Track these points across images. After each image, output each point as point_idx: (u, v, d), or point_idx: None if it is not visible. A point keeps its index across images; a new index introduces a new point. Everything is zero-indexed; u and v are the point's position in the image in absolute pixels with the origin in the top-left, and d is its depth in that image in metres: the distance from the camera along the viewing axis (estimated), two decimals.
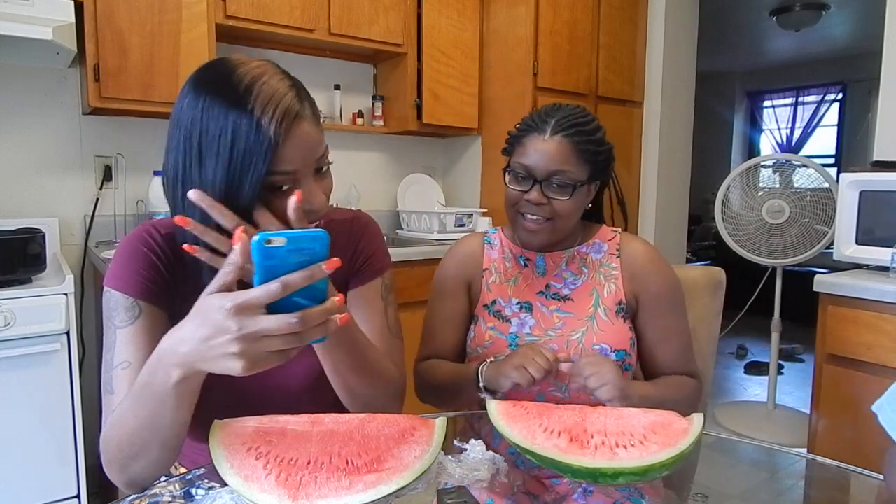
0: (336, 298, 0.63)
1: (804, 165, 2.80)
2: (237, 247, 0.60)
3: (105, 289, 0.83)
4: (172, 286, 0.84)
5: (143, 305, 0.81)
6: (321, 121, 0.84)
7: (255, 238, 0.58)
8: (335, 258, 0.62)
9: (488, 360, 1.05)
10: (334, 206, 2.24)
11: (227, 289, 0.61)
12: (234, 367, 0.59)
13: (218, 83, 0.74)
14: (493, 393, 1.02)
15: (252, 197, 0.72)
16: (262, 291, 0.58)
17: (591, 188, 1.12)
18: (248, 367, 0.59)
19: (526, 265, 1.17)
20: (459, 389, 1.09)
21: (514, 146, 1.10)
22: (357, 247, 0.96)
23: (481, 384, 1.03)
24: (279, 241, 0.58)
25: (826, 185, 2.73)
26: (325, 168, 0.81)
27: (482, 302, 1.18)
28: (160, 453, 0.71)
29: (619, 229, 1.19)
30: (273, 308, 0.59)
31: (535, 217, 1.07)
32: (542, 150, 1.05)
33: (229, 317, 0.58)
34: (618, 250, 1.15)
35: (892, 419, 0.88)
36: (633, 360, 1.13)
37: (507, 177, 1.10)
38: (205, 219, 0.72)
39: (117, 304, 0.81)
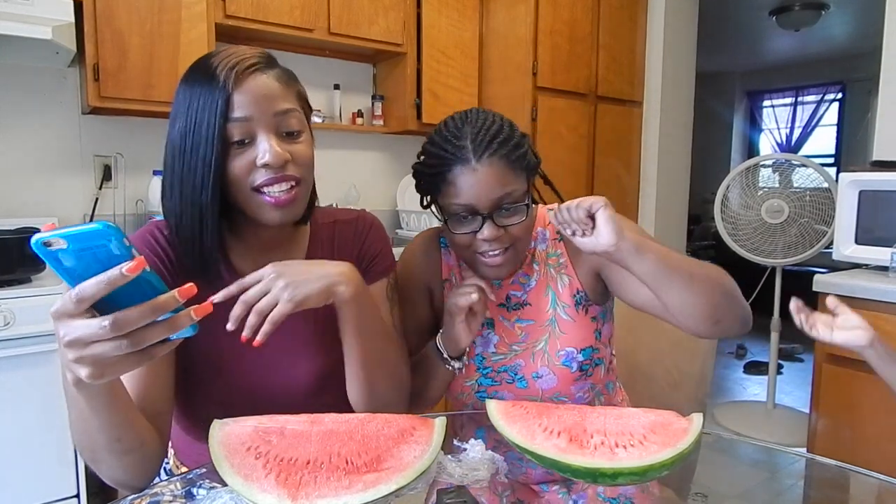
0: (172, 293, 0.55)
1: (803, 165, 2.80)
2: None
3: None
4: (177, 286, 0.82)
5: None
6: (305, 101, 0.85)
7: (33, 240, 0.50)
8: (188, 285, 0.56)
9: (439, 334, 1.00)
10: (334, 205, 2.25)
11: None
12: (82, 374, 0.55)
13: (194, 64, 0.80)
14: (458, 359, 1.00)
15: (210, 148, 0.75)
16: (65, 298, 0.53)
17: (533, 191, 1.03)
18: (94, 373, 0.54)
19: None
20: (429, 374, 1.03)
21: (438, 185, 0.94)
22: (362, 247, 0.96)
23: (444, 355, 0.99)
24: (59, 242, 0.50)
25: (825, 184, 2.73)
26: (295, 133, 0.80)
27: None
28: (112, 459, 0.69)
29: (555, 206, 1.05)
30: (110, 310, 0.53)
31: (495, 252, 0.95)
32: (477, 182, 0.91)
33: (55, 323, 0.54)
34: (558, 233, 1.05)
35: None
36: (604, 353, 1.06)
37: (450, 223, 0.95)
38: None
39: None
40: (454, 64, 2.78)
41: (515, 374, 1.03)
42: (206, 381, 0.86)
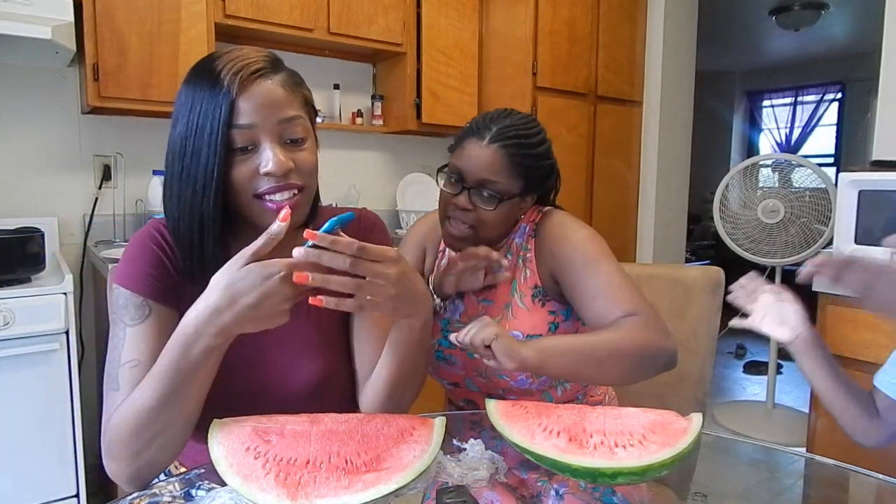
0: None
1: (800, 165, 2.80)
2: (283, 224, 0.69)
3: (114, 286, 0.82)
4: (181, 285, 0.83)
5: (153, 305, 0.80)
6: (310, 106, 0.84)
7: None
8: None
9: (431, 275, 1.13)
10: (333, 205, 2.25)
11: (261, 258, 0.68)
12: (280, 321, 0.68)
13: (198, 63, 0.79)
14: (444, 299, 1.10)
15: (212, 154, 0.74)
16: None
17: (527, 200, 1.09)
18: (286, 319, 0.69)
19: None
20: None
21: (457, 146, 1.07)
22: None
23: (432, 292, 1.08)
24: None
25: (823, 184, 2.73)
26: (299, 140, 0.80)
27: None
28: (182, 429, 0.73)
29: (548, 207, 1.15)
30: None
31: (458, 222, 1.05)
32: (476, 157, 1.02)
33: (283, 282, 0.66)
34: (535, 230, 1.11)
35: (891, 383, 0.92)
36: None
37: (441, 176, 1.08)
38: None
39: (127, 302, 0.80)
40: (454, 64, 2.78)
41: None
42: (230, 364, 0.86)
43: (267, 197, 0.78)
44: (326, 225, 0.68)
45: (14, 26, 1.68)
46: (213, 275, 0.78)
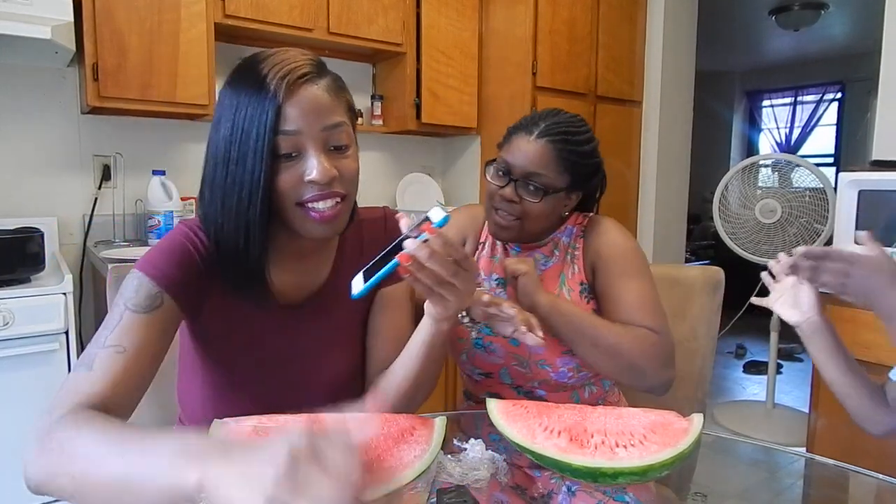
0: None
1: (797, 164, 2.80)
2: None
3: (133, 271, 0.79)
4: (203, 292, 0.82)
5: (167, 300, 0.77)
6: (353, 111, 0.83)
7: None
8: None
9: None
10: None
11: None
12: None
13: (241, 64, 0.79)
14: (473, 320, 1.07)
15: (259, 160, 0.73)
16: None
17: (571, 197, 1.13)
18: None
19: (516, 253, 1.20)
20: None
21: (505, 142, 1.12)
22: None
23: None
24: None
25: (820, 184, 2.73)
26: (343, 147, 0.79)
27: None
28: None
29: (593, 214, 1.21)
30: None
31: (504, 213, 1.08)
32: (525, 151, 1.06)
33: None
34: (583, 231, 1.16)
35: None
36: None
37: (489, 169, 1.11)
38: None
39: (140, 288, 0.76)
40: (454, 64, 2.78)
41: None
42: (220, 391, 0.87)
43: (310, 205, 0.77)
44: (440, 220, 0.70)
45: (14, 26, 1.68)
46: (256, 285, 0.80)
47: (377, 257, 0.74)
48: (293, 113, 0.73)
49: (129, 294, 0.76)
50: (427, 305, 0.80)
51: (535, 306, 0.98)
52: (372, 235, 0.95)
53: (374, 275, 0.72)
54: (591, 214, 1.20)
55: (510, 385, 1.14)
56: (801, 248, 0.93)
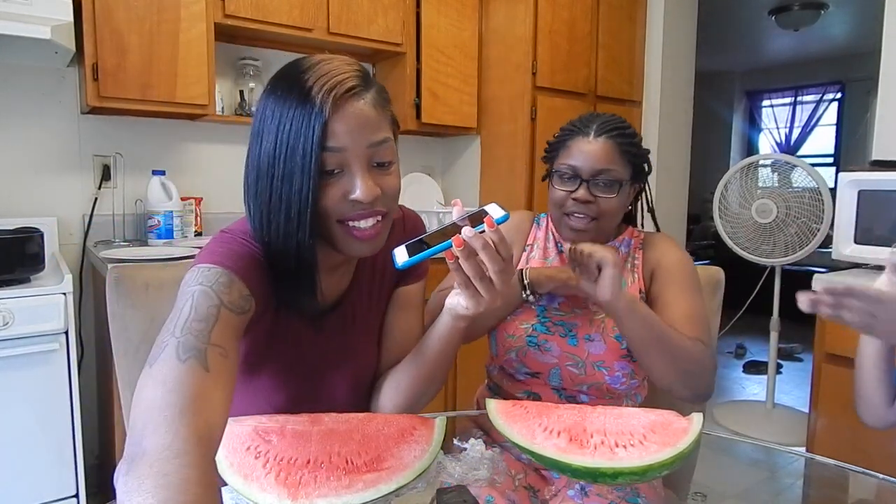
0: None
1: (793, 165, 2.79)
2: None
3: (214, 267, 0.72)
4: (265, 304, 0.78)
5: (253, 305, 0.73)
6: (395, 124, 0.81)
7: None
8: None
9: (527, 267, 1.14)
10: None
11: None
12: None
13: (283, 72, 0.76)
14: (538, 295, 1.11)
15: (307, 178, 0.70)
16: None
17: (632, 190, 1.16)
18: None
19: (562, 251, 1.21)
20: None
21: (558, 150, 1.14)
22: None
23: (525, 282, 1.11)
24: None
25: (816, 185, 2.73)
26: (387, 164, 0.77)
27: None
28: None
29: (647, 230, 1.25)
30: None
31: (581, 216, 1.09)
32: (588, 151, 1.08)
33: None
34: (641, 244, 1.19)
35: None
36: None
37: (553, 179, 1.13)
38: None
39: (232, 286, 0.71)
40: (453, 63, 2.78)
41: (569, 331, 1.11)
42: (268, 381, 0.86)
43: (351, 223, 0.76)
44: (502, 216, 0.72)
45: (13, 26, 1.68)
46: (308, 299, 0.78)
47: (422, 235, 0.75)
48: (339, 129, 0.71)
49: (222, 290, 0.69)
50: (451, 300, 0.80)
51: (615, 300, 0.96)
52: (393, 237, 0.93)
53: (418, 251, 0.72)
54: (646, 231, 1.23)
55: (555, 387, 1.13)
56: (819, 286, 0.88)
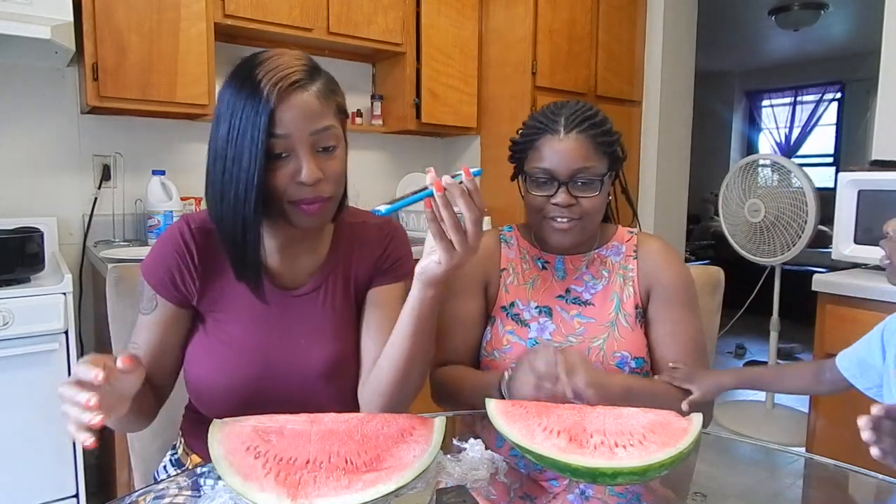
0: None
1: (782, 165, 2.79)
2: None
3: (140, 276, 0.92)
4: (199, 279, 0.91)
5: (160, 300, 0.90)
6: (343, 112, 0.89)
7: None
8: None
9: (508, 372, 0.99)
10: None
11: None
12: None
13: (240, 66, 0.84)
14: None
15: (254, 160, 0.79)
16: None
17: (610, 178, 1.10)
18: None
19: (545, 268, 1.15)
20: (479, 398, 1.03)
21: (526, 151, 1.07)
22: (386, 248, 0.99)
23: (503, 393, 1.00)
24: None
25: (816, 185, 2.73)
26: (330, 148, 0.85)
27: (499, 303, 1.14)
28: None
29: (636, 230, 1.18)
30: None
31: (563, 219, 1.04)
32: (561, 150, 1.02)
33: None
34: (635, 251, 1.13)
35: (847, 367, 1.07)
36: (650, 367, 1.10)
37: (527, 184, 1.07)
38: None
39: (143, 291, 0.91)
40: (453, 63, 2.78)
41: None
42: (222, 368, 0.91)
43: (302, 206, 0.85)
44: (477, 171, 0.76)
45: (13, 26, 1.68)
46: (253, 275, 0.87)
47: (400, 196, 0.78)
48: (284, 118, 0.79)
49: (140, 297, 0.92)
50: (422, 263, 0.80)
51: (608, 394, 0.89)
52: (367, 235, 0.99)
53: (398, 201, 0.76)
54: (637, 232, 1.17)
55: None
56: (869, 422, 0.73)
